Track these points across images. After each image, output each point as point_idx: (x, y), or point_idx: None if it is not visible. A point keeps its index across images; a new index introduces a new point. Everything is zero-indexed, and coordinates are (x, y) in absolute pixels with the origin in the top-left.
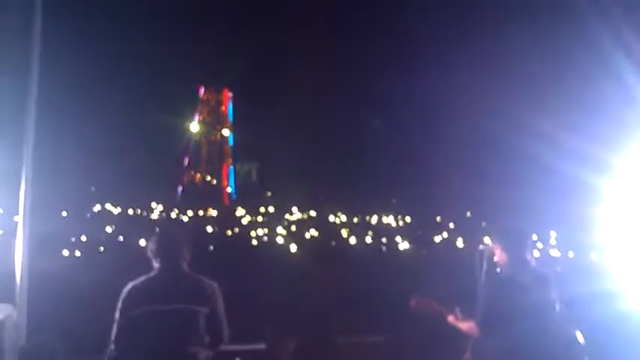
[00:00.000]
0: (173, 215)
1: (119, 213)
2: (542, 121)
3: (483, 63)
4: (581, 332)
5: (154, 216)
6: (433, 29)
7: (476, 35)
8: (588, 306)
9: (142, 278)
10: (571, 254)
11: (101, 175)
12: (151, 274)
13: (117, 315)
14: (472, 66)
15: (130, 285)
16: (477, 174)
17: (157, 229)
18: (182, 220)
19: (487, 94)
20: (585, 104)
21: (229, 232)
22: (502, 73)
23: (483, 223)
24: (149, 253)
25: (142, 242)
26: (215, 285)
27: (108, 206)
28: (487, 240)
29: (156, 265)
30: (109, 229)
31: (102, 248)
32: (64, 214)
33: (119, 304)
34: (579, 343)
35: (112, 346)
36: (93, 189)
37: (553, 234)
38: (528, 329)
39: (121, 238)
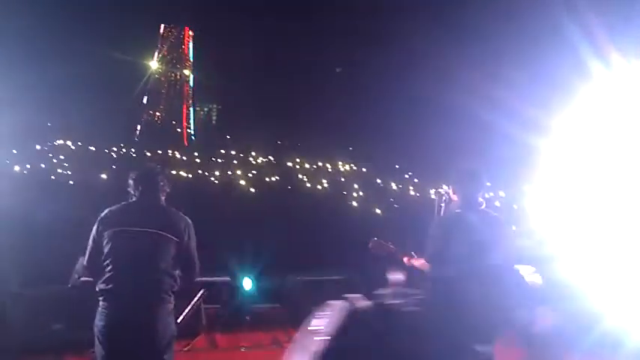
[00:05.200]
0: (132, 153)
1: (77, 149)
2: (489, 84)
3: (439, 31)
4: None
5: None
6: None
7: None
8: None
9: (120, 204)
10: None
11: (58, 111)
12: (130, 200)
13: (91, 236)
14: (426, 34)
15: (107, 209)
16: (422, 141)
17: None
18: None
19: (436, 56)
20: (525, 65)
21: (190, 175)
22: (451, 39)
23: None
24: (129, 188)
25: (104, 176)
26: (189, 220)
27: (64, 141)
28: (445, 186)
29: (134, 196)
30: (66, 164)
31: (71, 182)
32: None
33: (94, 227)
34: (531, 282)
35: (85, 264)
36: (49, 124)
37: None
38: (476, 266)
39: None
